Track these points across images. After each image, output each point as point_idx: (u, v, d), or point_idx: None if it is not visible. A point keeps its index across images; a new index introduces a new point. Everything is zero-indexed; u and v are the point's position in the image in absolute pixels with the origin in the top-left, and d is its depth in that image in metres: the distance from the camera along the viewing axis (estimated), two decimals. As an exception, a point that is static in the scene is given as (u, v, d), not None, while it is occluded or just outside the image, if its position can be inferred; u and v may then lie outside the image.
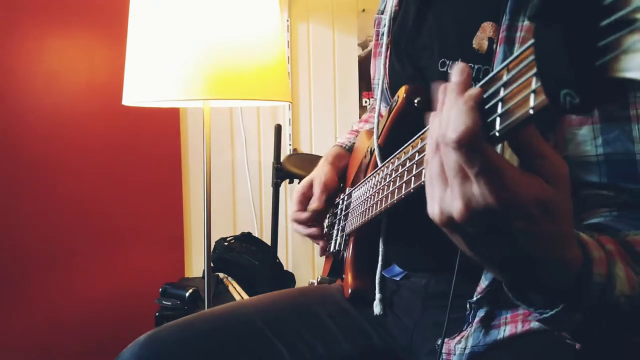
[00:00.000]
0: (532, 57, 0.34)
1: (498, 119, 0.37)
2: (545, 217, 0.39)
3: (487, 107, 0.38)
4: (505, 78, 0.37)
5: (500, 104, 0.37)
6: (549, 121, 0.56)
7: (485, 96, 0.39)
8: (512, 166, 0.39)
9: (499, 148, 0.44)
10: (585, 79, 0.30)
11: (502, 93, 0.37)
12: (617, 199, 0.55)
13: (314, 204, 0.96)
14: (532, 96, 0.34)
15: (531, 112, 0.34)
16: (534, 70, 0.34)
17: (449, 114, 0.39)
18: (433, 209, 0.43)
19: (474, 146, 0.37)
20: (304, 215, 0.97)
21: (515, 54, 0.36)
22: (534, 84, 0.34)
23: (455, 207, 0.40)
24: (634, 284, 0.45)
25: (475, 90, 0.39)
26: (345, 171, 1.01)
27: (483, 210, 0.39)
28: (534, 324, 0.62)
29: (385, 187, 0.68)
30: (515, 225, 0.39)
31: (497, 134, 0.37)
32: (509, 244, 0.41)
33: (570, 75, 0.30)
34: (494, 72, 0.38)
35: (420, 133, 0.58)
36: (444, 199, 0.42)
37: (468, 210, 0.40)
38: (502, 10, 0.60)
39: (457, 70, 0.41)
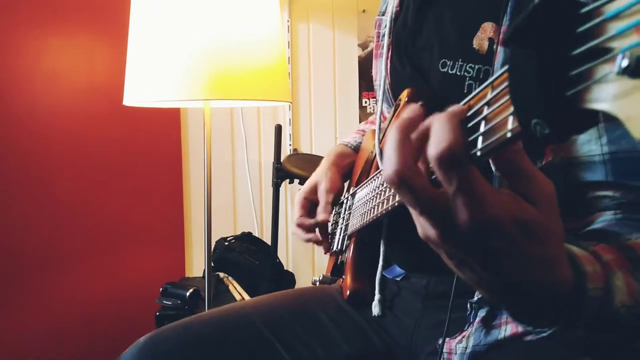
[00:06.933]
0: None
1: (480, 138, 0.36)
2: (526, 238, 0.39)
3: (471, 124, 0.37)
4: (489, 96, 0.36)
5: (483, 123, 0.36)
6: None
7: (470, 113, 0.38)
8: (489, 186, 0.38)
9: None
10: (555, 109, 0.29)
11: (485, 111, 0.36)
12: (622, 199, 0.54)
13: (320, 215, 0.93)
14: (510, 119, 0.33)
15: (509, 135, 0.33)
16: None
17: (432, 131, 0.39)
18: (418, 229, 0.43)
19: (454, 163, 0.37)
20: (309, 222, 0.95)
21: (499, 72, 0.35)
22: (512, 107, 0.33)
23: (432, 230, 0.40)
24: (634, 292, 0.44)
25: (458, 107, 0.39)
26: (351, 169, 1.00)
27: (458, 231, 0.38)
28: None
29: (384, 191, 0.67)
30: (492, 245, 0.39)
31: (478, 153, 0.36)
32: (491, 266, 0.41)
33: (541, 104, 0.29)
34: (479, 88, 0.38)
35: None
36: (420, 221, 0.41)
37: (444, 231, 0.39)
38: (503, 11, 0.60)
39: (407, 109, 0.41)
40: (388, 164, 0.39)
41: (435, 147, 0.37)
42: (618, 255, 0.45)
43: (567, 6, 0.28)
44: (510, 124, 0.33)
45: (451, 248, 0.41)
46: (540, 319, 0.45)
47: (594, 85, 0.27)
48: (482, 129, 0.36)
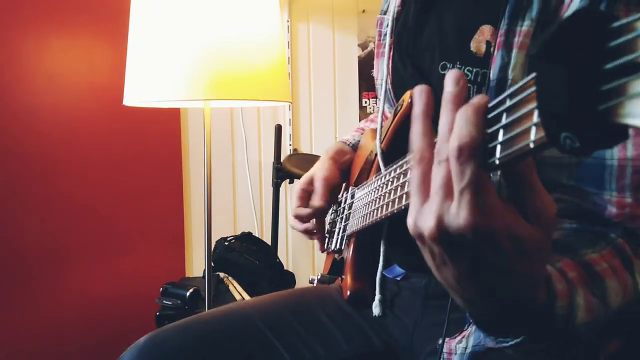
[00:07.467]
0: (533, 89, 0.32)
1: (499, 147, 0.36)
2: (517, 255, 0.38)
3: (489, 131, 0.36)
4: (507, 103, 0.35)
5: (502, 131, 0.35)
6: None
7: (487, 117, 0.37)
8: (495, 193, 0.38)
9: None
10: (586, 124, 0.28)
11: (504, 120, 0.35)
12: (579, 207, 0.54)
13: (316, 201, 0.93)
14: (533, 129, 0.32)
15: (531, 145, 0.33)
16: (536, 103, 0.32)
17: (455, 123, 0.38)
18: (409, 220, 0.42)
19: (471, 158, 0.36)
20: (305, 211, 0.94)
21: (520, 83, 0.34)
22: (535, 117, 0.32)
23: (428, 223, 0.40)
24: (592, 308, 0.45)
25: (483, 100, 0.38)
26: (349, 167, 0.99)
27: (453, 231, 0.38)
28: None
29: (387, 194, 0.66)
30: (483, 255, 0.38)
31: (496, 161, 0.36)
32: (470, 273, 0.40)
33: (571, 119, 0.29)
34: (499, 98, 0.37)
35: None
36: (420, 212, 0.41)
37: (439, 228, 0.39)
38: (501, 14, 0.60)
39: (451, 80, 0.39)
40: (464, 134, 0.37)
41: (457, 139, 0.37)
42: (580, 273, 0.46)
43: (598, 20, 0.28)
44: (534, 134, 0.32)
45: (442, 248, 0.40)
46: (505, 329, 0.46)
47: (628, 101, 0.26)
48: (500, 137, 0.35)
